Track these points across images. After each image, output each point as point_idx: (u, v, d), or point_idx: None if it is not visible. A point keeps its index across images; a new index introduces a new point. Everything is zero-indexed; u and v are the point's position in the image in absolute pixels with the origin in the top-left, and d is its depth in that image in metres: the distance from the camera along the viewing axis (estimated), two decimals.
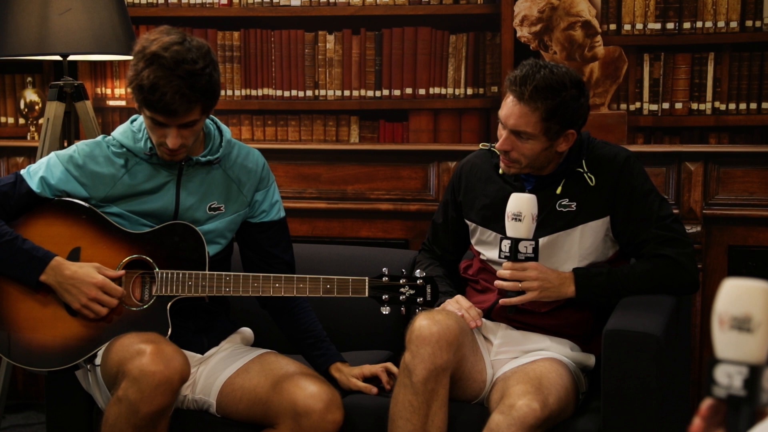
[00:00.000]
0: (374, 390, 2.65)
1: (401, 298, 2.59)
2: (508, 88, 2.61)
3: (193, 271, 2.58)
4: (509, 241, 2.56)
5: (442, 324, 2.49)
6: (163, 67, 2.42)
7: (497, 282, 2.61)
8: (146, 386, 2.35)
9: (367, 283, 2.59)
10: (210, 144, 2.67)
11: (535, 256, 2.57)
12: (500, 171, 2.75)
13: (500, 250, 2.58)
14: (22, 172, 2.65)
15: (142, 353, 2.38)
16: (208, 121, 2.70)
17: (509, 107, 2.60)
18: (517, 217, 2.53)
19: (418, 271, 2.64)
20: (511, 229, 2.55)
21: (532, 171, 2.68)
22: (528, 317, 2.69)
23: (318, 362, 2.72)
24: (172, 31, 2.52)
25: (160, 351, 2.39)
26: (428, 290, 2.60)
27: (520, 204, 2.54)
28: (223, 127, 2.73)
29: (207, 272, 2.58)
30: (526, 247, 2.55)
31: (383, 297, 2.59)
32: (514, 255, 2.56)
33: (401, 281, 2.60)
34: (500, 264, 2.67)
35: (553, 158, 2.67)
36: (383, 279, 2.60)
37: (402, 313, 2.67)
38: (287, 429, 2.50)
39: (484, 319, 2.72)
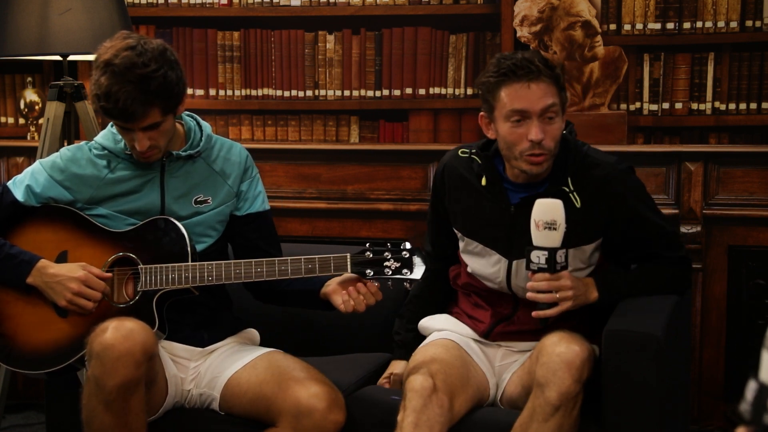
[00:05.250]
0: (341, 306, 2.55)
1: (386, 271, 2.52)
2: (510, 78, 2.49)
3: (176, 264, 2.59)
4: (545, 252, 2.41)
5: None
6: (114, 74, 2.48)
7: (530, 295, 2.48)
8: (107, 360, 2.37)
9: (348, 260, 2.53)
10: (191, 139, 2.71)
11: (566, 265, 2.46)
12: (483, 182, 2.65)
13: (530, 261, 2.44)
14: (9, 183, 2.71)
15: (104, 330, 2.41)
16: (188, 117, 2.75)
17: (527, 93, 2.48)
18: (552, 226, 2.40)
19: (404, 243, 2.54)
20: (545, 238, 2.41)
21: (550, 162, 2.55)
22: (527, 335, 2.66)
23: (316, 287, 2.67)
24: (129, 35, 2.57)
25: (120, 326, 2.41)
26: (414, 261, 2.51)
27: (553, 212, 2.41)
28: (203, 123, 2.77)
29: (189, 263, 2.59)
30: (561, 256, 2.43)
31: (367, 272, 2.52)
32: (552, 266, 2.42)
33: (385, 254, 2.53)
34: (488, 278, 2.65)
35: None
36: (366, 254, 2.53)
37: (390, 287, 2.58)
38: (289, 427, 2.51)
39: (484, 340, 2.70)
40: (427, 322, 2.80)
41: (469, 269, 2.73)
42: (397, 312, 2.98)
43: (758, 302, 3.43)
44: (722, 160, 3.40)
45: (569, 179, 2.57)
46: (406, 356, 2.73)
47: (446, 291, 2.86)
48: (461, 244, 2.75)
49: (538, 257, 2.43)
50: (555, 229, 2.40)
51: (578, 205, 2.56)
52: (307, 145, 3.74)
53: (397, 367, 2.80)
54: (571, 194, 2.56)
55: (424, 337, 2.79)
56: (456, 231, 2.76)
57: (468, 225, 2.70)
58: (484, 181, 2.65)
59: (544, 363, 2.37)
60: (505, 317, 2.69)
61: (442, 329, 2.75)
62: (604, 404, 2.48)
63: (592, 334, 2.67)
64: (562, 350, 2.36)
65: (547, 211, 2.41)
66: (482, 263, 2.68)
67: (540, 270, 2.44)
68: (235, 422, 2.63)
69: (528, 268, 2.46)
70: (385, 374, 2.81)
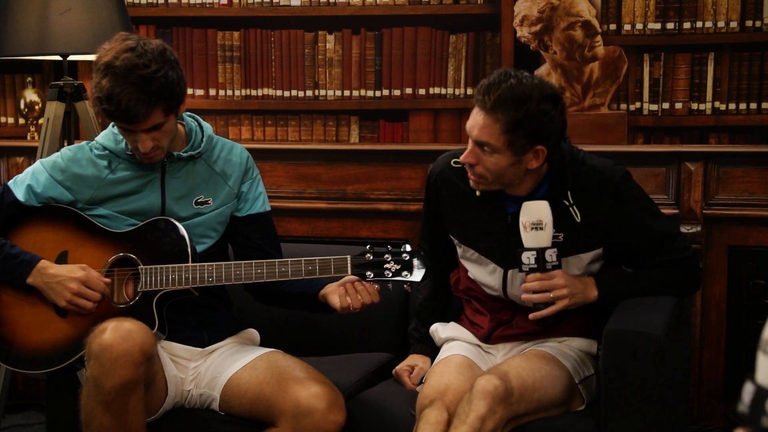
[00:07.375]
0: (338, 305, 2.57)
1: (386, 274, 2.52)
2: (474, 97, 2.48)
3: (176, 264, 2.59)
4: (534, 252, 2.46)
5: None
6: (116, 76, 2.48)
7: (525, 296, 2.51)
8: (106, 360, 2.38)
9: (349, 262, 2.54)
10: (192, 140, 2.71)
11: (558, 264, 2.49)
12: (477, 193, 2.62)
13: (522, 263, 2.47)
14: (10, 182, 2.71)
15: (103, 330, 2.42)
16: (189, 118, 2.75)
17: (473, 117, 2.48)
18: (538, 226, 2.44)
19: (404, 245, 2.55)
20: (533, 239, 2.46)
21: (502, 188, 2.56)
22: (526, 337, 2.66)
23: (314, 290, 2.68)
24: (128, 37, 2.57)
25: (119, 326, 2.42)
26: (414, 264, 2.52)
27: (539, 212, 2.45)
28: (205, 123, 2.77)
29: (189, 264, 2.59)
30: (551, 256, 2.46)
31: (367, 274, 2.53)
32: (542, 266, 2.46)
33: (385, 256, 2.53)
34: (487, 285, 2.65)
35: (525, 176, 2.53)
36: (366, 256, 2.54)
37: (390, 290, 2.59)
38: (289, 427, 2.51)
39: (484, 345, 2.70)
40: (436, 328, 2.80)
41: (470, 274, 2.72)
42: (397, 313, 2.98)
43: (758, 302, 3.43)
44: (722, 160, 3.40)
45: (569, 193, 2.56)
46: (426, 351, 2.79)
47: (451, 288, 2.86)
48: (459, 251, 2.74)
49: (528, 258, 2.47)
50: (542, 228, 2.45)
51: (578, 219, 2.56)
52: (307, 145, 3.74)
53: (418, 360, 2.78)
54: (570, 208, 2.56)
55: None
56: (453, 238, 2.74)
57: (465, 233, 2.69)
58: (478, 192, 2.62)
59: (464, 399, 2.39)
60: (504, 322, 2.69)
61: (451, 337, 2.75)
62: (604, 404, 2.48)
63: (593, 333, 2.67)
64: (481, 381, 2.38)
65: (534, 212, 2.46)
66: (480, 270, 2.68)
67: (531, 271, 2.48)
68: (235, 422, 2.63)
69: (520, 270, 2.50)
70: (406, 364, 2.79)
